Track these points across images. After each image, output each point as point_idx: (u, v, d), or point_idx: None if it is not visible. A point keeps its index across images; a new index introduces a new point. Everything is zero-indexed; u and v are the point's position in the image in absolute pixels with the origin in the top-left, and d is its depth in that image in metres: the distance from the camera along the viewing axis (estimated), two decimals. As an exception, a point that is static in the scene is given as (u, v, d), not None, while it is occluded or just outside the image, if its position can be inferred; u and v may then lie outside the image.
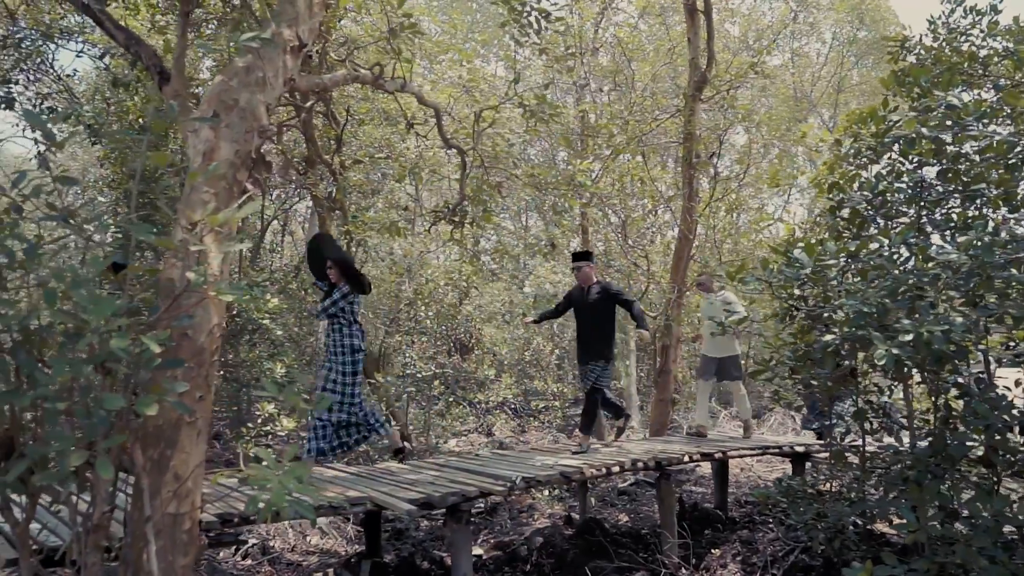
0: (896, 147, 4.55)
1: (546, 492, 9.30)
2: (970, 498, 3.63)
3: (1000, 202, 4.20)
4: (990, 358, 4.10)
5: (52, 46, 10.23)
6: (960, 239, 3.93)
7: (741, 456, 7.97)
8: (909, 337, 3.49)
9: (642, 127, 12.57)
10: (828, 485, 4.89)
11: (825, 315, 4.21)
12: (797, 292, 4.51)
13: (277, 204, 15.97)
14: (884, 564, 3.54)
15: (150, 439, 2.90)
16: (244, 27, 6.50)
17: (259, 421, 9.87)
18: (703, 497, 8.99)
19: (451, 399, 14.38)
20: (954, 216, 4.36)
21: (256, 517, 3.83)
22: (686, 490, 9.51)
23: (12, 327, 2.46)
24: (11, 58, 9.76)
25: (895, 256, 4.14)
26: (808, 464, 7.90)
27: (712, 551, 6.69)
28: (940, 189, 4.43)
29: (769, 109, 17.19)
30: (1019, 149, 4.11)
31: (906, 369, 3.98)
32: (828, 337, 4.01)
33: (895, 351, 3.50)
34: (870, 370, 4.49)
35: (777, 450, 7.95)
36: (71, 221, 2.62)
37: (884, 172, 4.63)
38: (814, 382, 4.64)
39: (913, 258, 4.06)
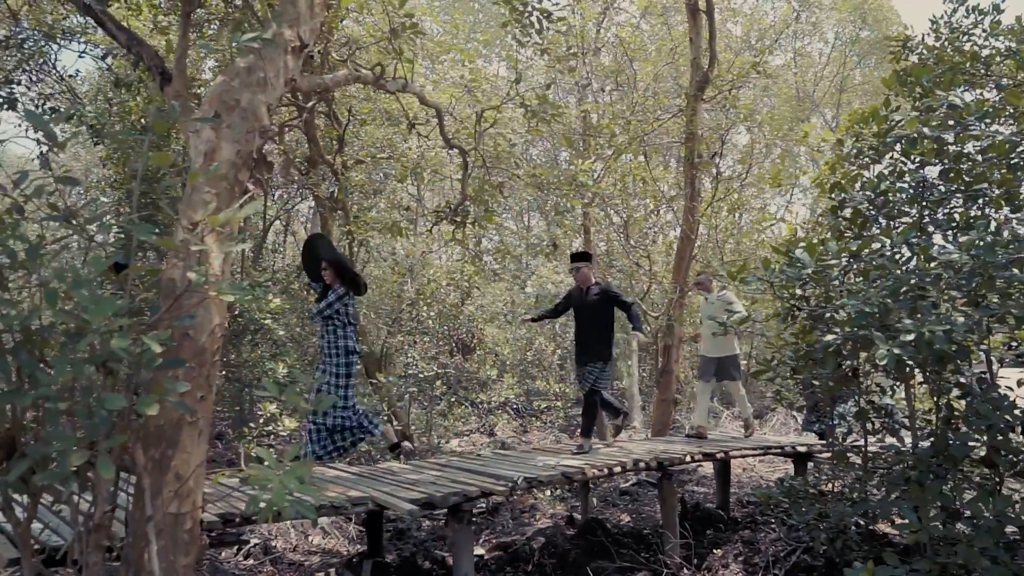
0: (898, 147, 4.55)
1: (548, 492, 9.30)
2: (972, 498, 3.62)
3: (1002, 202, 4.20)
4: (992, 358, 4.10)
5: (55, 47, 10.25)
6: (962, 239, 3.92)
7: (743, 456, 7.96)
8: (911, 337, 3.49)
9: (644, 127, 12.57)
10: (830, 485, 4.88)
11: (827, 315, 4.20)
12: (799, 292, 4.50)
13: (279, 204, 15.97)
14: (886, 564, 3.54)
15: (151, 439, 2.90)
16: (245, 27, 6.51)
17: (261, 421, 9.87)
18: (705, 497, 8.99)
19: (453, 399, 14.37)
20: (956, 216, 4.35)
21: (257, 517, 3.83)
22: (688, 490, 9.50)
23: (13, 327, 2.46)
24: (14, 59, 9.78)
25: (897, 256, 4.13)
26: (810, 464, 7.90)
27: (714, 551, 6.68)
28: (942, 189, 4.43)
29: (771, 109, 17.17)
30: (1021, 149, 4.11)
31: (908, 369, 3.97)
32: (830, 337, 4.01)
33: (897, 351, 3.49)
34: (872, 370, 4.48)
35: (779, 450, 7.94)
36: (73, 221, 2.63)
37: (886, 172, 4.63)
38: (816, 382, 4.63)
39: (915, 258, 4.05)
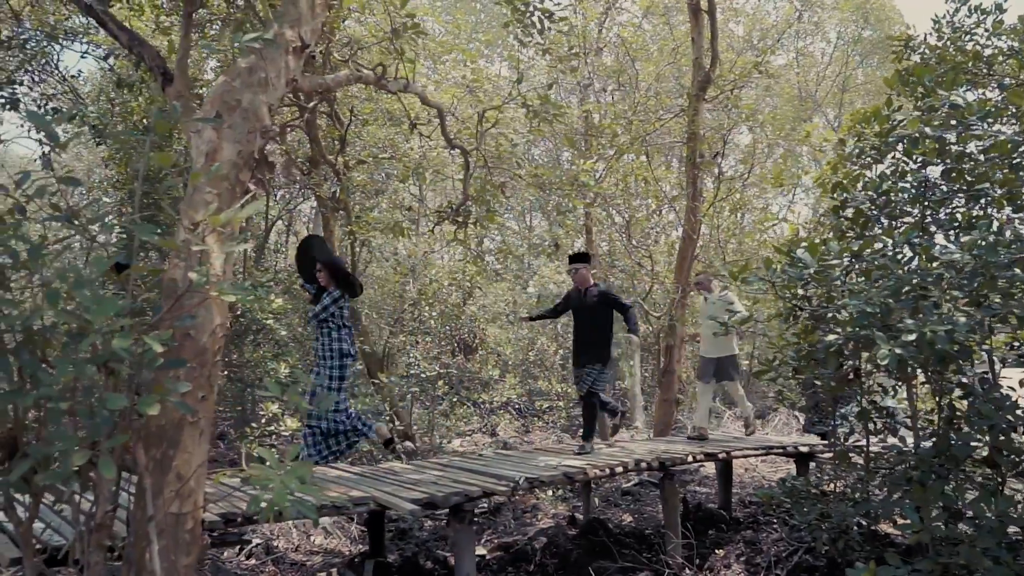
0: (900, 147, 4.54)
1: (550, 492, 9.30)
2: (974, 498, 3.61)
3: (1004, 202, 4.19)
4: (994, 358, 4.09)
5: (57, 47, 10.26)
6: (963, 239, 3.92)
7: (745, 456, 7.95)
8: (912, 337, 3.48)
9: (646, 127, 12.57)
10: (832, 485, 4.87)
11: (828, 315, 4.20)
12: (801, 292, 4.50)
13: (281, 204, 15.99)
14: (888, 565, 3.54)
15: (153, 439, 2.91)
16: (247, 28, 6.51)
17: (263, 421, 9.87)
18: (707, 497, 8.98)
19: (455, 399, 14.38)
20: (959, 216, 4.34)
21: (259, 517, 3.84)
22: (690, 490, 9.50)
23: (15, 327, 2.47)
24: (16, 59, 9.79)
25: (899, 256, 4.13)
26: (812, 464, 7.89)
27: (716, 551, 6.68)
28: (944, 189, 4.42)
29: (774, 109, 17.15)
30: (1023, 148, 4.10)
31: (910, 369, 3.97)
32: (831, 337, 4.00)
33: (898, 351, 3.49)
34: (874, 370, 4.48)
35: (781, 450, 7.93)
36: (75, 222, 2.63)
37: (888, 172, 4.62)
38: (818, 382, 4.63)
39: (917, 258, 4.04)
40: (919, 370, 4.02)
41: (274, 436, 9.65)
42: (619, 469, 6.38)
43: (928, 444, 4.02)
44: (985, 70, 6.40)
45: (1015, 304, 3.67)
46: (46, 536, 3.63)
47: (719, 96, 12.06)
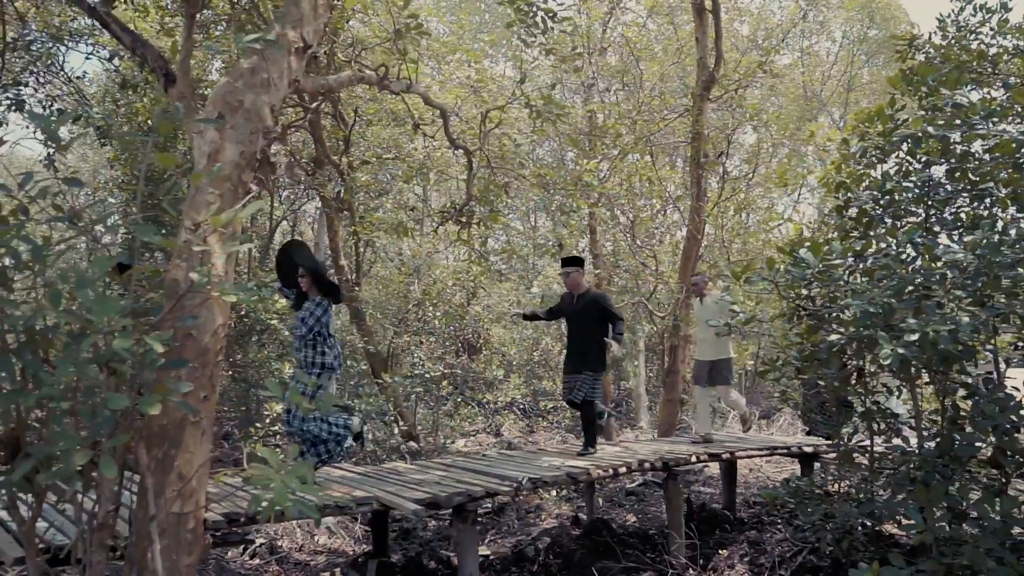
0: (904, 146, 4.52)
1: (554, 492, 9.30)
2: (978, 499, 3.60)
3: (1009, 201, 4.17)
4: (999, 358, 4.08)
5: (62, 48, 10.29)
6: (967, 238, 3.90)
7: (749, 456, 7.94)
8: (915, 337, 3.47)
9: (650, 127, 12.56)
10: (836, 486, 4.86)
11: (832, 315, 4.19)
12: (804, 292, 4.49)
13: (286, 205, 16.02)
14: (891, 565, 3.52)
15: (155, 439, 2.91)
16: (249, 29, 6.53)
17: (267, 421, 9.90)
18: (711, 498, 8.97)
19: (459, 399, 14.39)
20: (963, 216, 4.33)
21: (260, 516, 3.85)
22: (694, 491, 9.48)
23: (18, 327, 2.48)
24: (22, 60, 9.83)
25: (902, 256, 4.11)
26: (816, 464, 7.87)
27: (720, 552, 6.67)
28: (948, 188, 4.40)
29: (778, 108, 17.11)
30: (1028, 148, 4.08)
31: (913, 369, 3.95)
32: (834, 337, 3.99)
33: (901, 351, 3.47)
34: (879, 370, 4.46)
35: (785, 450, 7.91)
36: (78, 222, 2.64)
37: (892, 171, 4.60)
38: (821, 382, 4.61)
39: (920, 258, 4.03)
40: (923, 370, 4.01)
41: (278, 436, 9.67)
42: (623, 469, 6.38)
43: (932, 444, 4.01)
44: (990, 69, 6.37)
45: (1019, 304, 3.66)
46: (49, 535, 3.64)
47: (723, 96, 12.03)
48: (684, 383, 11.73)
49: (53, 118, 2.72)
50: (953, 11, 6.71)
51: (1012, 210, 4.20)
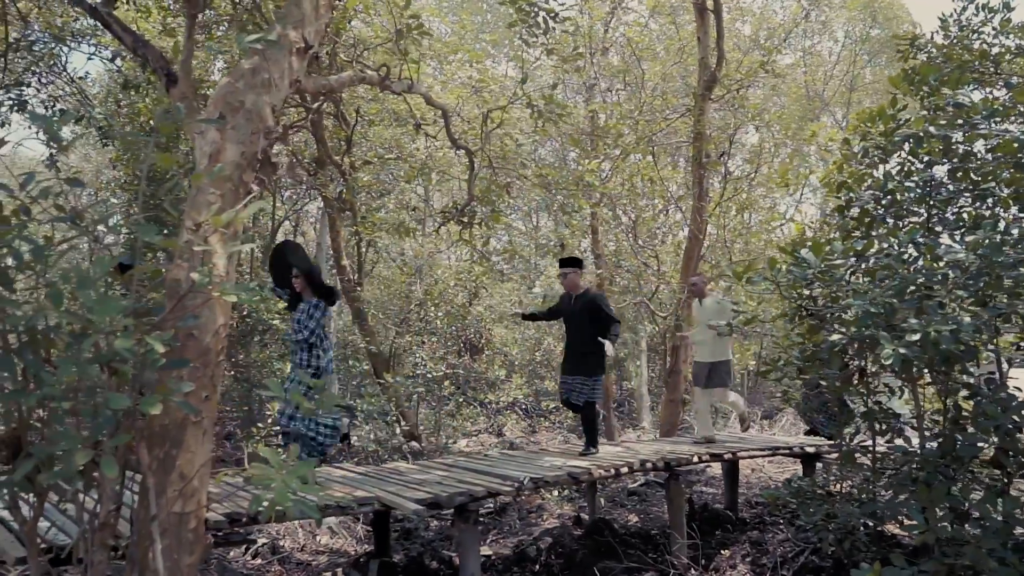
0: (906, 146, 4.52)
1: (555, 492, 9.29)
2: (980, 499, 3.59)
3: (1011, 201, 4.16)
4: (1002, 358, 4.07)
5: (64, 49, 10.31)
6: (968, 238, 3.90)
7: (751, 457, 7.93)
8: (917, 337, 3.47)
9: (652, 127, 12.55)
10: (838, 486, 4.85)
11: (833, 315, 4.18)
12: (806, 292, 4.48)
13: (288, 205, 16.04)
14: (893, 566, 3.52)
15: (156, 438, 2.92)
16: (251, 29, 6.53)
17: (270, 421, 9.91)
18: (713, 498, 8.96)
19: (462, 399, 14.40)
20: (965, 216, 4.32)
21: (260, 516, 3.85)
22: (696, 491, 9.48)
23: (19, 328, 2.48)
24: (24, 61, 9.84)
25: (903, 256, 4.11)
26: (819, 465, 7.86)
27: (722, 552, 6.67)
28: (950, 188, 4.39)
29: (781, 108, 17.09)
30: (1030, 147, 4.07)
31: (915, 369, 3.95)
32: (835, 337, 3.98)
33: (902, 351, 3.47)
34: (881, 370, 4.46)
35: (787, 451, 7.90)
36: (80, 223, 2.65)
37: (893, 171, 4.60)
38: (823, 382, 4.61)
39: (921, 258, 4.02)
40: (925, 370, 4.00)
41: (280, 436, 9.68)
42: (624, 470, 6.37)
43: (934, 445, 4.00)
44: (992, 69, 6.36)
45: (1021, 304, 3.65)
46: (51, 535, 3.65)
47: (725, 95, 12.03)
48: (686, 383, 11.71)
49: (55, 119, 2.72)
50: (955, 11, 6.70)
51: (1014, 210, 4.19)
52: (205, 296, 2.88)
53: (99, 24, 6.15)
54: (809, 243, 4.38)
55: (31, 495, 2.62)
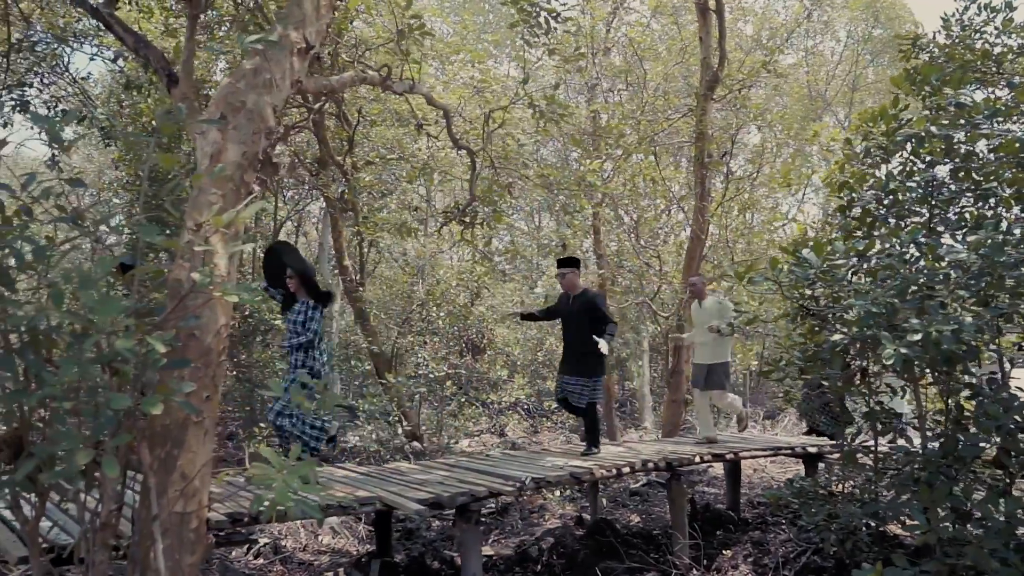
0: (908, 146, 4.51)
1: (557, 493, 9.29)
2: (982, 500, 3.59)
3: (1012, 201, 4.16)
4: (1004, 359, 4.06)
5: (67, 49, 10.32)
6: (970, 238, 3.89)
7: (753, 457, 7.92)
8: (918, 337, 3.46)
9: (654, 127, 12.54)
10: (840, 486, 4.85)
11: (835, 315, 4.18)
12: (807, 292, 4.47)
13: (290, 205, 16.05)
14: (895, 566, 3.51)
15: (157, 438, 2.92)
16: (252, 29, 6.54)
17: (272, 421, 9.90)
18: (715, 498, 8.96)
19: (463, 399, 14.39)
20: (966, 215, 4.31)
21: (262, 516, 3.85)
22: (698, 491, 9.47)
23: (20, 328, 2.48)
24: (26, 61, 9.86)
25: (905, 256, 4.10)
26: (821, 465, 7.85)
27: (724, 552, 6.66)
28: (952, 188, 4.39)
29: (783, 108, 17.08)
30: (1032, 147, 4.06)
31: (917, 369, 3.94)
32: (837, 337, 3.98)
33: (904, 351, 3.46)
34: (882, 371, 4.45)
35: (789, 451, 7.90)
36: (81, 223, 2.65)
37: (895, 171, 4.59)
38: (825, 383, 4.60)
39: (923, 258, 4.02)
40: (927, 370, 4.00)
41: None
42: (626, 470, 6.37)
43: (936, 445, 4.00)
44: (994, 68, 6.35)
45: (1023, 303, 3.64)
46: (52, 534, 3.66)
47: (728, 95, 12.02)
48: (688, 383, 11.72)
49: (57, 119, 2.73)
50: (957, 10, 6.70)
51: (1016, 210, 4.19)
52: (206, 296, 2.88)
53: (101, 25, 6.17)
54: (811, 243, 4.37)
55: (33, 495, 2.62)
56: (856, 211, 4.68)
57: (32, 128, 12.23)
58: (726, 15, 10.92)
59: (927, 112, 4.53)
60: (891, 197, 4.50)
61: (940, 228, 4.40)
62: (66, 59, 10.90)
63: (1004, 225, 3.95)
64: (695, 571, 6.22)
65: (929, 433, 4.18)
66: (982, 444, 3.75)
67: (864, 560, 4.41)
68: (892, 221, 4.57)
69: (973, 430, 3.83)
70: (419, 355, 12.76)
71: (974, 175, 4.26)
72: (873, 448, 4.55)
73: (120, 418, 2.56)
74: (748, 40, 15.63)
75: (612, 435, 12.99)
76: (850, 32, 22.17)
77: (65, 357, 2.42)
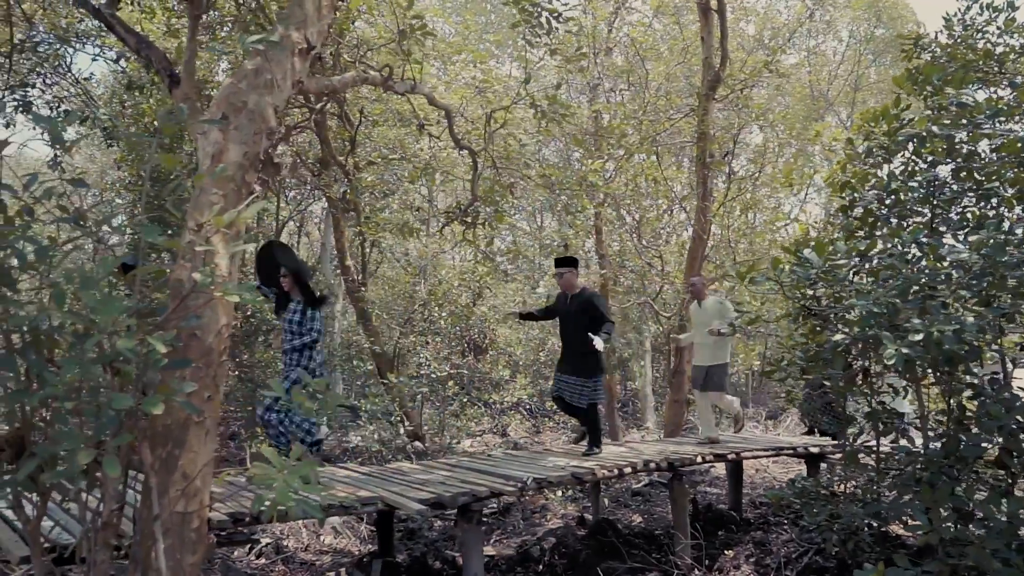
0: (910, 146, 4.51)
1: (559, 493, 9.29)
2: (984, 500, 3.58)
3: (1014, 201, 4.15)
4: (1006, 359, 4.05)
5: (69, 50, 10.34)
6: (971, 238, 3.89)
7: (755, 457, 7.92)
8: (920, 337, 3.46)
9: (656, 127, 12.54)
10: (842, 486, 4.85)
11: (836, 315, 4.17)
12: (809, 292, 4.47)
13: (292, 205, 16.06)
14: (897, 566, 3.51)
15: (159, 438, 2.92)
16: (254, 30, 6.55)
17: (273, 421, 9.90)
18: (717, 498, 8.95)
19: (466, 399, 14.39)
20: (968, 215, 4.31)
21: (263, 516, 3.85)
22: (700, 491, 9.47)
23: (22, 328, 2.49)
24: (29, 62, 9.88)
25: (907, 255, 4.10)
26: (823, 465, 7.84)
27: (725, 552, 6.66)
28: (954, 188, 4.38)
29: (785, 108, 17.07)
30: (1034, 147, 4.05)
31: (919, 369, 3.94)
32: (838, 337, 3.98)
33: (905, 351, 3.46)
34: (884, 371, 4.45)
35: (791, 451, 7.89)
36: (83, 223, 2.65)
37: (897, 171, 4.59)
38: (826, 383, 4.60)
39: (925, 257, 4.01)
40: (928, 370, 3.99)
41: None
42: (628, 470, 6.37)
43: (938, 445, 3.99)
44: (996, 68, 6.34)
45: (1024, 304, 3.64)
46: (54, 534, 3.66)
47: (730, 95, 12.01)
48: (690, 383, 11.71)
49: (59, 120, 2.73)
50: (960, 10, 6.69)
51: (1018, 210, 4.18)
52: (208, 296, 2.89)
53: (103, 25, 6.18)
54: (813, 243, 4.37)
55: (34, 494, 2.63)
56: (858, 211, 4.67)
57: (34, 128, 12.25)
58: (728, 15, 10.91)
59: (929, 112, 4.52)
60: (893, 197, 4.50)
61: (942, 228, 4.40)
62: (68, 60, 10.93)
63: (1006, 225, 3.95)
64: (697, 571, 6.22)
65: (931, 433, 4.17)
66: (984, 444, 3.74)
67: (866, 560, 4.40)
68: (894, 221, 4.57)
69: (975, 430, 3.83)
70: (421, 355, 12.76)
71: (976, 175, 4.25)
72: (875, 448, 4.54)
73: (122, 418, 2.56)
74: (750, 40, 15.62)
75: (614, 435, 12.99)
76: (852, 32, 22.16)
77: (67, 357, 2.42)
